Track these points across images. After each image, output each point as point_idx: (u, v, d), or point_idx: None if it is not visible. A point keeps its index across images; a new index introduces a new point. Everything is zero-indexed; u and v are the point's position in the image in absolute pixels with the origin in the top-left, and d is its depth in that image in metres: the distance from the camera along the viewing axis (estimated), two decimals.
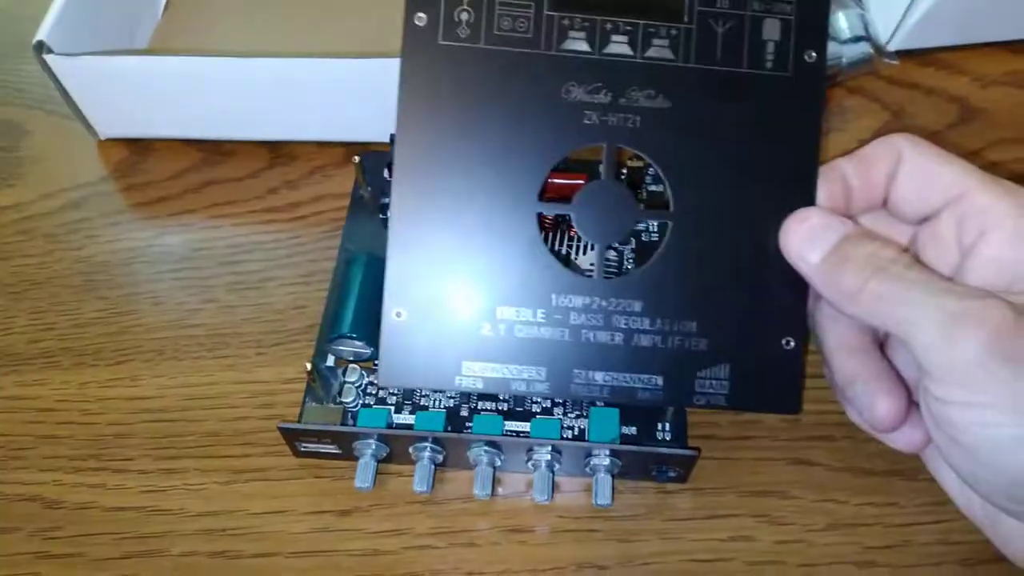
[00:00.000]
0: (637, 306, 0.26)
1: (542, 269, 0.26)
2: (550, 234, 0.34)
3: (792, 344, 0.26)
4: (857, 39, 0.41)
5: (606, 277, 0.27)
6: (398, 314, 0.26)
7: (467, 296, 0.26)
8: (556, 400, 0.32)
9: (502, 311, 0.26)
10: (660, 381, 0.26)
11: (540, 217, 0.27)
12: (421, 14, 0.26)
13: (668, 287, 0.26)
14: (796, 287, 0.26)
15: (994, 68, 0.43)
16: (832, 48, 0.40)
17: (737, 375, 0.26)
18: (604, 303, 0.26)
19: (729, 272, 0.26)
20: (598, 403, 0.31)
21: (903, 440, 0.25)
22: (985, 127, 0.41)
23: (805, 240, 0.25)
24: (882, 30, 0.42)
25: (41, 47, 0.36)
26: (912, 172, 0.25)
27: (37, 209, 0.39)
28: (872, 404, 0.25)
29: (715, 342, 0.26)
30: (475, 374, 0.26)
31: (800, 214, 0.25)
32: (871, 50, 0.41)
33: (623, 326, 0.26)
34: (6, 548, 0.30)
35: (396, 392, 0.32)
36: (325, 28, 0.44)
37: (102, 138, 0.41)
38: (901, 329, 0.22)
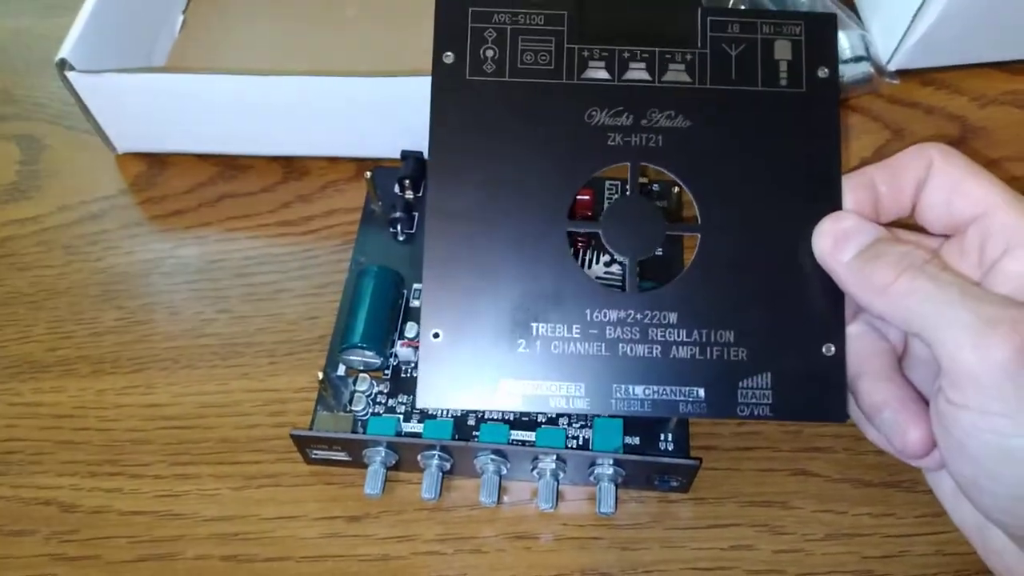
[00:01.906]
0: (672, 317, 0.26)
1: (575, 285, 0.26)
2: None
3: (833, 350, 0.26)
4: (858, 59, 0.42)
5: (641, 291, 0.27)
6: (435, 335, 0.26)
7: (503, 314, 0.26)
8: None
9: (538, 328, 0.26)
10: (702, 393, 0.26)
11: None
12: (449, 53, 0.27)
13: (702, 298, 0.26)
14: (832, 293, 0.26)
15: (992, 88, 0.43)
16: None
17: (780, 384, 0.26)
18: (639, 315, 0.26)
19: (763, 281, 0.27)
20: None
21: (929, 462, 0.25)
22: (985, 145, 0.42)
23: (839, 240, 0.25)
24: (882, 50, 0.43)
25: (63, 64, 0.37)
26: (941, 183, 0.25)
27: (56, 221, 0.40)
28: (903, 433, 0.24)
29: (755, 351, 0.26)
30: (514, 392, 0.26)
31: (834, 216, 0.26)
32: (871, 69, 0.42)
33: (660, 338, 0.26)
34: (23, 550, 0.31)
35: (404, 401, 0.33)
36: (339, 46, 0.45)
37: (120, 152, 0.42)
38: (928, 328, 0.22)
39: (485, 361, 0.26)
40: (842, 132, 0.42)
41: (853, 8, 0.44)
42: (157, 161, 0.42)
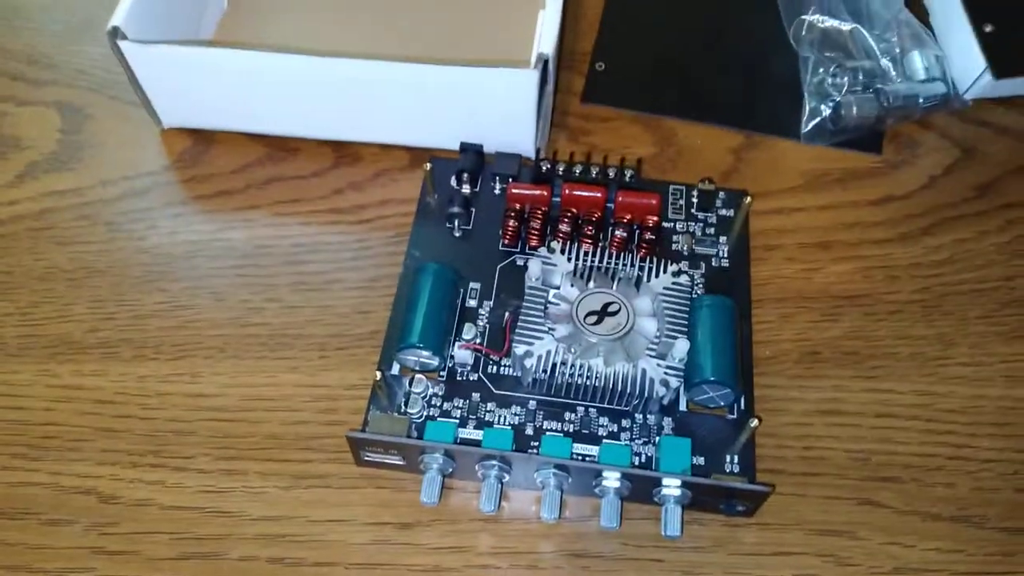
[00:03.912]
0: None
1: None
2: (565, 244, 0.34)
3: None
4: (932, 79, 0.41)
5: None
6: None
7: None
8: (622, 425, 0.31)
9: None
10: None
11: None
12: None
13: None
14: None
15: None
16: (907, 87, 0.40)
17: None
18: None
19: None
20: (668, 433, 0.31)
21: None
22: None
23: None
24: (956, 72, 0.41)
25: (116, 33, 0.36)
26: None
27: (97, 195, 0.39)
28: None
29: None
30: None
31: None
32: (945, 89, 0.41)
33: None
34: (62, 541, 0.30)
35: (461, 406, 0.32)
36: (394, 28, 0.43)
37: (165, 127, 0.40)
38: None
39: None
40: (911, 149, 0.41)
41: (929, 27, 0.43)
42: (203, 138, 0.40)
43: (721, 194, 0.37)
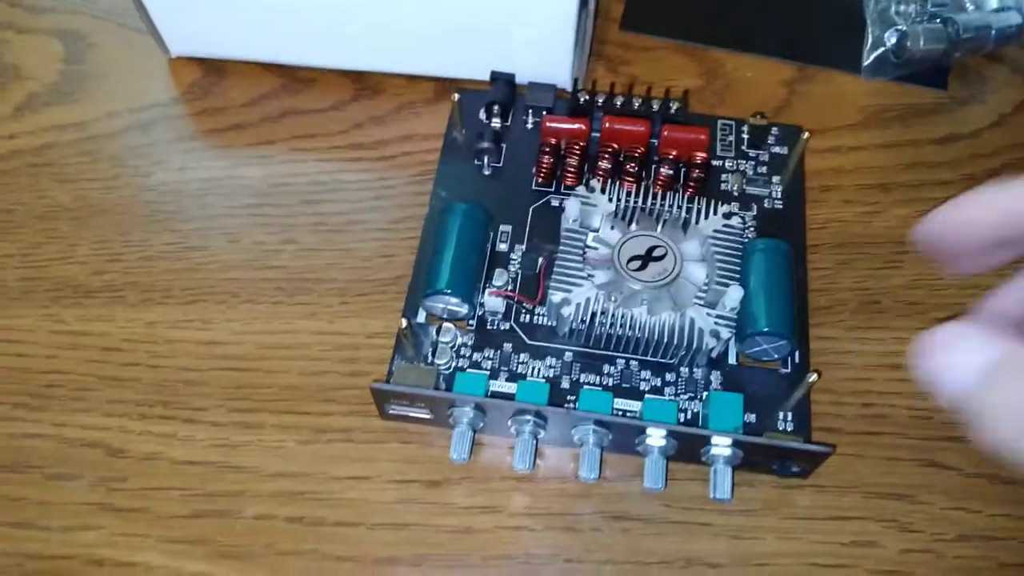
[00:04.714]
0: None
1: None
2: (606, 183, 0.31)
3: None
4: (1005, 9, 0.37)
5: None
6: None
7: None
8: (666, 379, 0.29)
9: None
10: None
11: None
12: None
13: None
14: None
15: None
16: (979, 17, 0.36)
17: None
18: None
19: None
20: (717, 388, 0.29)
21: None
22: None
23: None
24: None
25: None
26: None
27: (102, 129, 0.36)
28: None
29: None
30: None
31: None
32: (1020, 20, 0.37)
33: None
34: (69, 496, 0.28)
35: (492, 357, 0.29)
36: None
37: (173, 56, 0.38)
38: None
39: None
40: (980, 84, 0.38)
41: None
42: (214, 68, 0.38)
43: (774, 130, 0.34)
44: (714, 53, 0.38)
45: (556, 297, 0.28)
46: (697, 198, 0.31)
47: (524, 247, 0.32)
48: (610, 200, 0.31)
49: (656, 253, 0.30)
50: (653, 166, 0.33)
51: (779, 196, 0.33)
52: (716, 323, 0.28)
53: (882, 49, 0.37)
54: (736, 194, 0.33)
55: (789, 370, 0.29)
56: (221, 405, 0.29)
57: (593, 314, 0.28)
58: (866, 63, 0.37)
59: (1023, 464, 0.17)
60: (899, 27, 0.37)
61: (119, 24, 0.39)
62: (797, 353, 0.30)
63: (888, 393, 0.30)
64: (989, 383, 0.18)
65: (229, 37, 0.37)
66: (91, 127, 0.36)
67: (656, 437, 0.27)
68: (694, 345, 0.28)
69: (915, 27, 0.36)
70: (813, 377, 0.27)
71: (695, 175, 0.32)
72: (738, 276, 0.29)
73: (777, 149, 0.34)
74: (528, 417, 0.27)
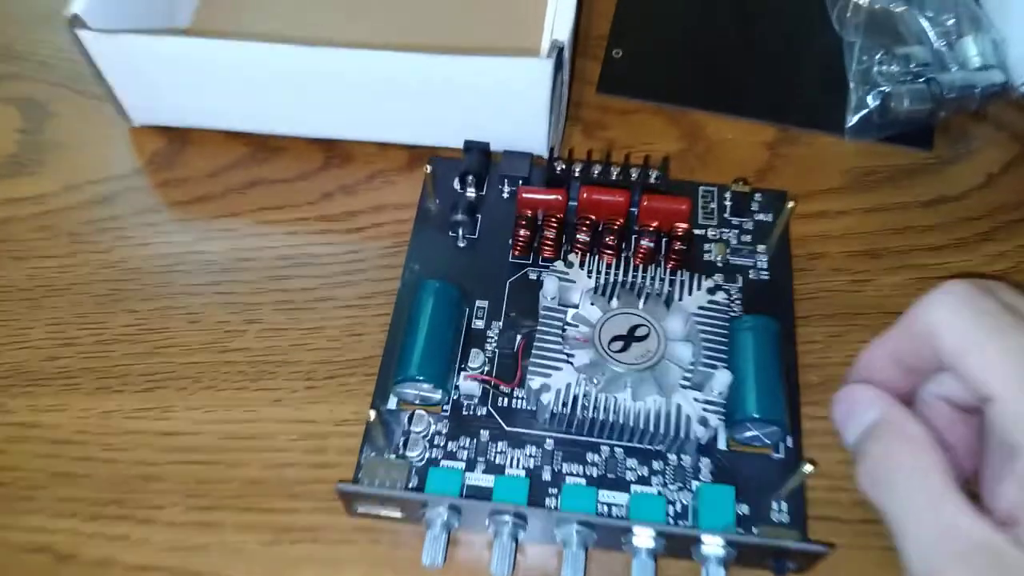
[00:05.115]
0: None
1: None
2: (584, 256, 0.30)
3: None
4: (987, 67, 0.36)
5: None
6: None
7: None
8: (652, 467, 0.27)
9: None
10: None
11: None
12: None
13: None
14: None
15: None
16: (963, 76, 0.36)
17: None
18: None
19: None
20: (705, 480, 0.27)
21: None
22: None
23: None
24: (1015, 59, 0.37)
25: (75, 21, 0.32)
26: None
27: (60, 203, 0.35)
28: None
29: None
30: None
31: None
32: (1003, 77, 0.36)
33: None
34: None
35: (467, 446, 0.28)
36: (389, 14, 0.39)
37: (136, 125, 0.36)
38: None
39: None
40: (965, 142, 0.37)
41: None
42: (178, 137, 0.36)
43: (758, 196, 0.33)
44: (694, 115, 0.37)
45: (535, 383, 0.27)
46: (680, 271, 0.30)
47: (501, 324, 0.30)
48: (589, 275, 0.29)
49: (639, 332, 0.28)
50: (634, 237, 0.32)
51: (765, 267, 0.32)
52: (704, 409, 0.27)
53: (866, 110, 0.36)
54: (720, 265, 0.32)
55: (783, 455, 0.28)
56: (179, 503, 0.28)
57: (575, 398, 0.27)
58: (849, 124, 0.36)
59: (881, 512, 0.24)
60: (882, 88, 0.36)
61: (78, 92, 0.38)
62: (789, 437, 0.28)
63: None
64: (862, 438, 0.25)
65: (193, 106, 0.35)
66: (49, 201, 0.35)
67: (644, 537, 0.25)
68: (682, 434, 0.26)
69: (899, 88, 0.35)
70: (808, 468, 0.26)
71: (677, 247, 0.31)
72: (725, 356, 0.28)
73: (761, 216, 0.33)
74: (507, 517, 0.25)
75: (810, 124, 0.37)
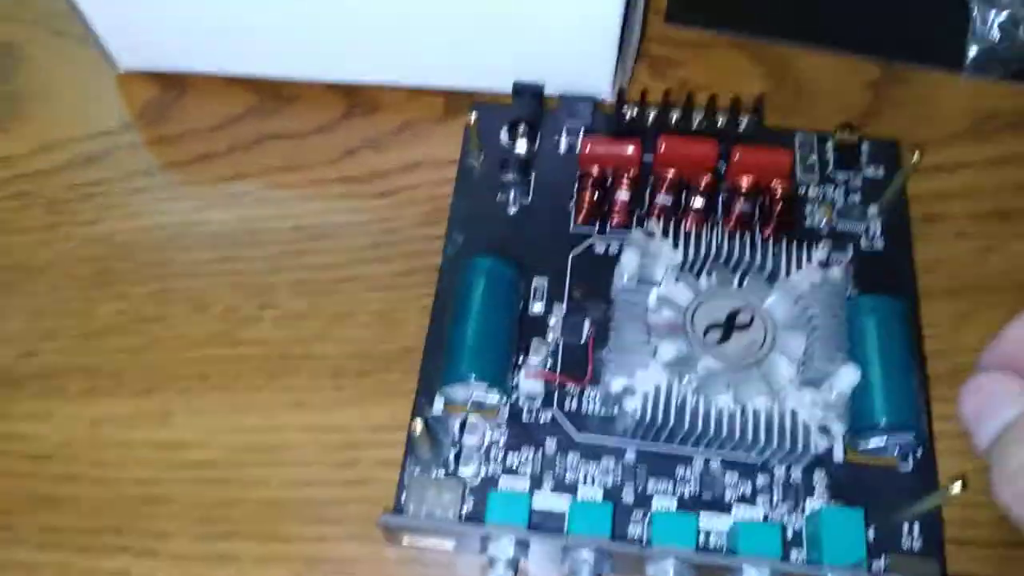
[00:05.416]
0: None
1: None
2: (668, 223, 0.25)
3: None
4: None
5: None
6: None
7: None
8: (756, 483, 0.23)
9: None
10: None
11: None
12: None
13: None
14: None
15: None
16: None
17: None
18: None
19: None
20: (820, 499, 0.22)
21: None
22: None
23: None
24: None
25: None
26: None
27: (36, 165, 0.30)
28: None
29: None
30: None
31: None
32: None
33: None
34: None
35: (531, 459, 0.23)
36: None
37: (124, 71, 0.31)
38: None
39: None
40: None
41: None
42: (173, 84, 0.31)
43: (867, 146, 0.28)
44: (780, 49, 0.32)
45: (616, 385, 0.22)
46: (783, 239, 0.24)
47: (564, 307, 0.25)
48: (676, 246, 0.24)
49: (740, 320, 0.23)
50: (721, 198, 0.27)
51: (879, 232, 0.27)
52: (824, 415, 0.22)
53: (990, 40, 0.30)
54: (824, 231, 0.27)
55: (911, 467, 0.23)
56: (186, 531, 0.23)
57: (666, 403, 0.22)
58: (970, 58, 0.31)
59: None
60: (1010, 11, 0.30)
61: (57, 32, 0.33)
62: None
63: None
64: (1000, 439, 0.20)
65: (190, 46, 0.31)
66: (23, 163, 0.30)
67: (752, 573, 0.20)
68: (799, 446, 0.21)
69: None
70: (956, 488, 0.21)
71: (779, 209, 0.26)
72: (846, 348, 0.23)
73: (871, 171, 0.28)
74: (586, 554, 0.21)
75: (921, 58, 0.31)
